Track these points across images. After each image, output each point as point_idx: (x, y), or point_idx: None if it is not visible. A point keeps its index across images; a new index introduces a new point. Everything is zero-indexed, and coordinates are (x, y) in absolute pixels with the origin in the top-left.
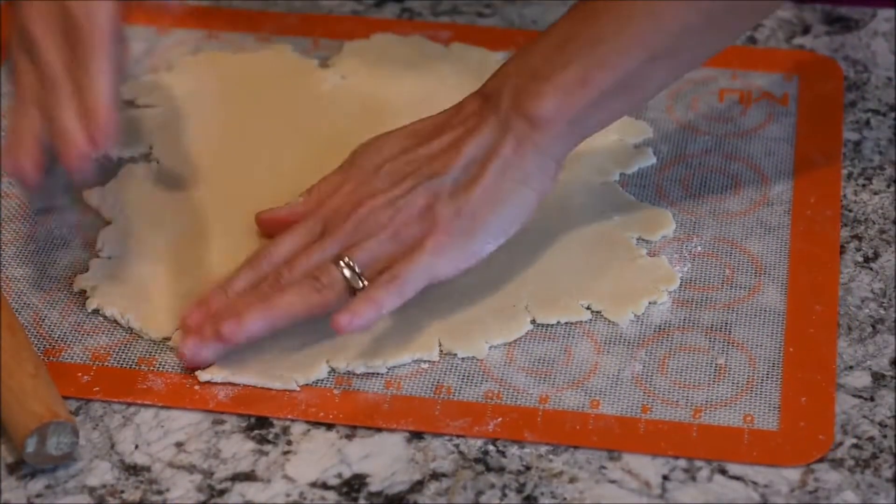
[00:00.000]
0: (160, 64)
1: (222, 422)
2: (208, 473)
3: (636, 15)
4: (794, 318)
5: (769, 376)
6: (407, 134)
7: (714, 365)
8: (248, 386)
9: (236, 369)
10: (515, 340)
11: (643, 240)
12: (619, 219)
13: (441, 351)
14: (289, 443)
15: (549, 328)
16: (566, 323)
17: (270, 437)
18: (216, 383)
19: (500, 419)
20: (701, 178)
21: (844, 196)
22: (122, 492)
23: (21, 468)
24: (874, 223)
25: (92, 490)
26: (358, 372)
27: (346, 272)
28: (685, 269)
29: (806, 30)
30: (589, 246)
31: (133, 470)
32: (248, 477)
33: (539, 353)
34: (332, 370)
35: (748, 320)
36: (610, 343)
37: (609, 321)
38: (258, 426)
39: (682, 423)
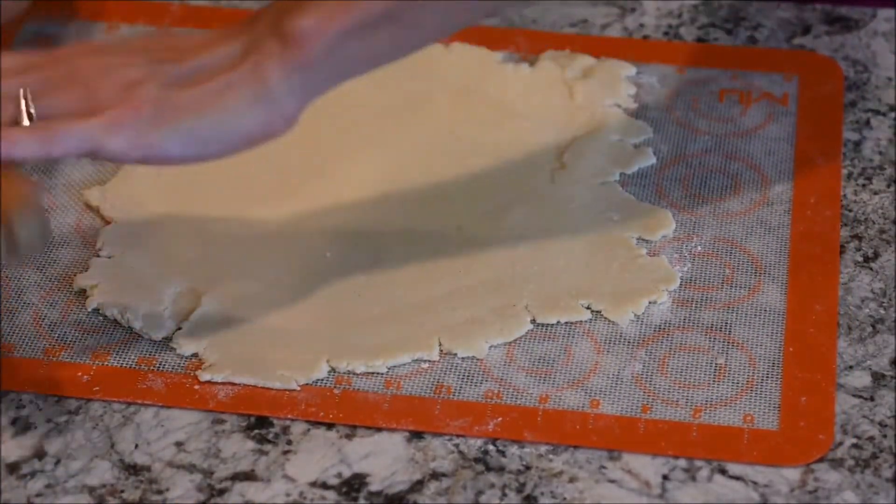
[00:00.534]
0: None
1: (222, 421)
2: (208, 473)
3: None
4: (794, 317)
5: (769, 376)
6: (167, 29)
7: (714, 365)
8: (249, 386)
9: (237, 369)
10: (515, 340)
11: (643, 240)
12: (619, 218)
13: (441, 351)
14: (289, 442)
15: (549, 328)
16: (566, 323)
17: (270, 436)
18: (216, 383)
19: (500, 419)
20: (701, 178)
21: (844, 196)
22: (122, 491)
23: (21, 468)
24: (874, 223)
25: (92, 490)
26: (358, 372)
27: (16, 107)
28: (685, 268)
29: (806, 30)
30: (589, 246)
31: (133, 469)
32: (248, 477)
33: (539, 353)
34: (333, 370)
35: (748, 320)
36: (610, 343)
37: (609, 321)
38: (258, 426)
39: (682, 422)
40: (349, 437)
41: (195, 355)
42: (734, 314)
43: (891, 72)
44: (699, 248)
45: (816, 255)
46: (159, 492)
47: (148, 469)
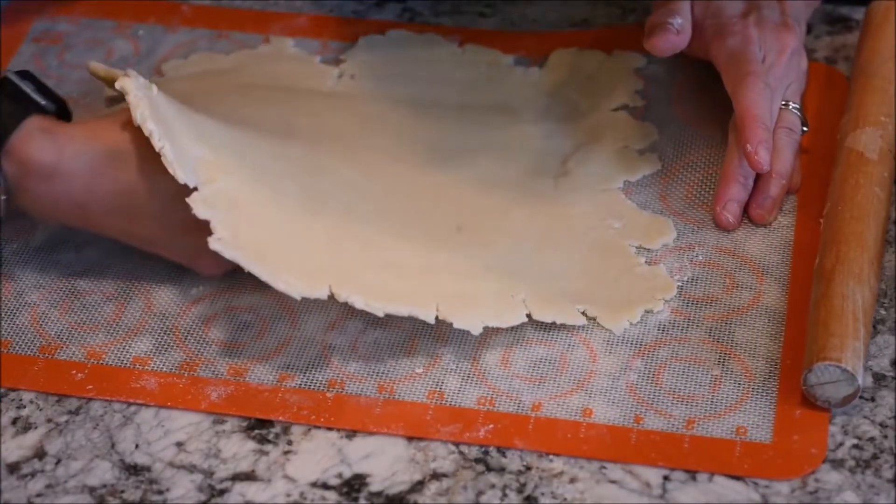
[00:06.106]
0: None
1: (223, 421)
2: (208, 473)
3: None
4: (794, 329)
5: (765, 388)
6: None
7: (710, 376)
8: (241, 384)
9: (244, 254)
10: (511, 345)
11: (643, 248)
12: (619, 226)
13: (437, 317)
14: (289, 443)
15: (545, 334)
16: (562, 329)
17: (271, 437)
18: (208, 383)
19: (491, 426)
20: (706, 186)
21: None
22: (122, 492)
23: (21, 468)
24: None
25: (92, 490)
26: (357, 307)
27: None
28: (685, 278)
29: (806, 30)
30: (588, 253)
31: (133, 470)
32: (249, 477)
33: (534, 360)
34: (332, 296)
35: (746, 331)
36: (605, 352)
37: (605, 329)
38: (258, 426)
39: (675, 433)
40: (349, 437)
41: (186, 361)
42: (732, 325)
43: None
44: (700, 257)
45: None
46: (160, 492)
47: (148, 469)
